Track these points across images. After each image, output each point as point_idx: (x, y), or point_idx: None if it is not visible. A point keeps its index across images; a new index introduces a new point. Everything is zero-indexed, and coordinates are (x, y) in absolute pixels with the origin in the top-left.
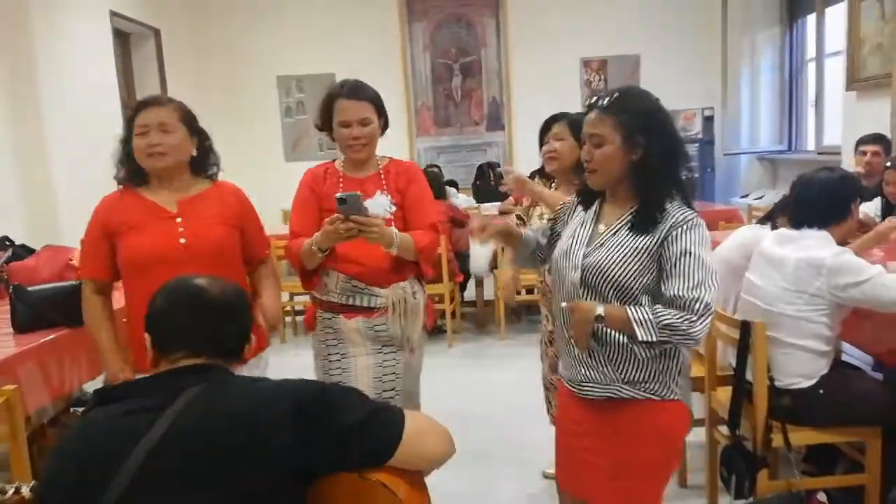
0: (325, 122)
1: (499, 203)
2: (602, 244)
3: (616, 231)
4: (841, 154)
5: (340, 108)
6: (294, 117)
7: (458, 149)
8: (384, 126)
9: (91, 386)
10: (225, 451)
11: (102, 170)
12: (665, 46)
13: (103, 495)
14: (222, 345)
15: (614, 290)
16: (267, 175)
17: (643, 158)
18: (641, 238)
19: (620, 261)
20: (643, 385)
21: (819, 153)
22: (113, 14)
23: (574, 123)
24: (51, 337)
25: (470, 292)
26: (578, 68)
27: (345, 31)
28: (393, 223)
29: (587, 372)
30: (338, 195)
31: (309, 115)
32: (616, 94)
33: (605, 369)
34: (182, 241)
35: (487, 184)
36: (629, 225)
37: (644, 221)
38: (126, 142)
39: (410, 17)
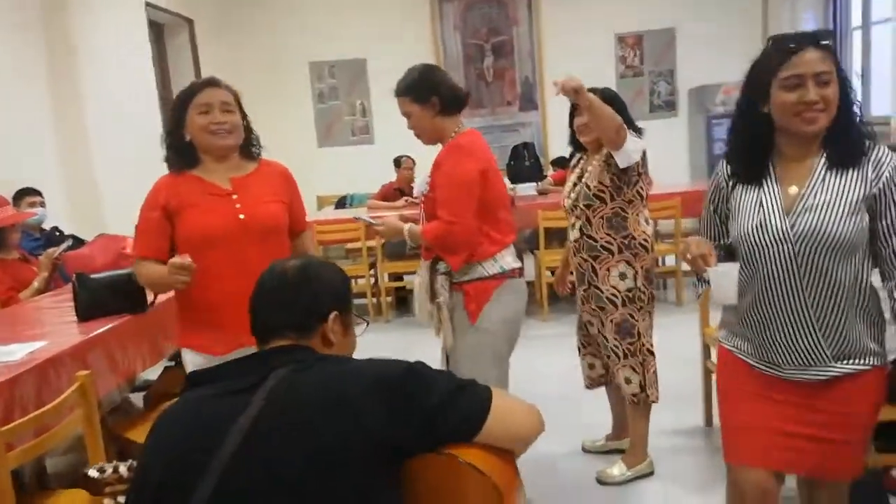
0: None
1: (534, 184)
2: (807, 208)
3: (817, 187)
4: (890, 124)
5: None
6: (327, 103)
7: (491, 130)
8: (448, 101)
9: (151, 372)
10: (315, 430)
11: (142, 158)
12: (701, 18)
13: (201, 480)
14: (299, 323)
15: (835, 251)
16: (300, 161)
17: (845, 99)
18: (850, 180)
19: (840, 218)
20: None
21: (866, 123)
22: (147, 5)
23: (605, 96)
24: (114, 324)
25: None
26: (613, 44)
27: (375, 14)
28: (422, 206)
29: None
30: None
31: (341, 101)
32: (820, 33)
33: None
34: (241, 216)
35: (522, 164)
36: (827, 169)
37: (847, 154)
38: (177, 124)
39: None
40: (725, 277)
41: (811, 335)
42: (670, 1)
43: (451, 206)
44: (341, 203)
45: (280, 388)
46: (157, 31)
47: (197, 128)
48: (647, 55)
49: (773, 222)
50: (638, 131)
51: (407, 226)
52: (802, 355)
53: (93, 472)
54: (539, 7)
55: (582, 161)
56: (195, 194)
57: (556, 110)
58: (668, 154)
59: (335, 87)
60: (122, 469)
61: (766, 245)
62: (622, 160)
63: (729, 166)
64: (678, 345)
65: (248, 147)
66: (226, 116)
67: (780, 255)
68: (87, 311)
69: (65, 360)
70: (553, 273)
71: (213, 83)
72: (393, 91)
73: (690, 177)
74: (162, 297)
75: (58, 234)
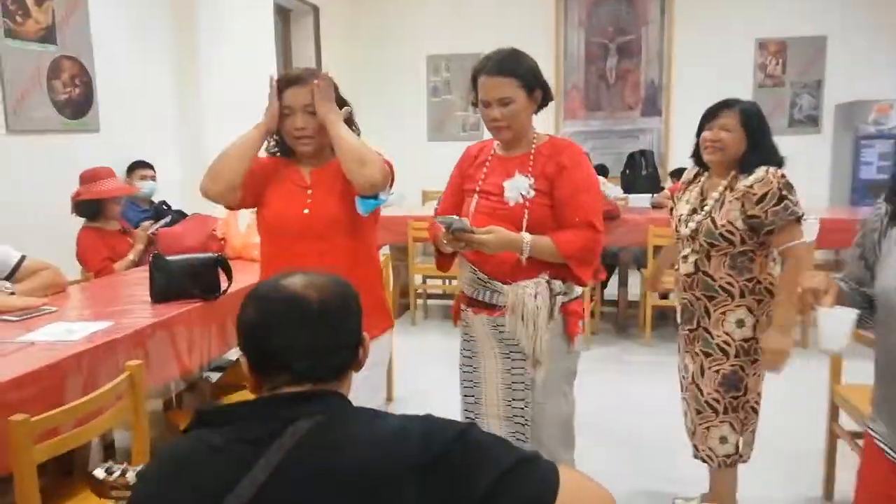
0: (477, 99)
1: (649, 195)
2: None
3: None
4: None
5: (482, 86)
6: (440, 97)
7: (607, 134)
8: (543, 100)
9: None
10: None
11: None
12: (857, 26)
13: None
14: (328, 363)
15: None
16: (408, 154)
17: None
18: None
19: None
20: None
21: None
22: None
23: (746, 114)
24: (184, 309)
25: (611, 289)
26: (752, 50)
27: (496, 8)
28: (527, 211)
29: None
30: (439, 220)
31: (454, 96)
32: None
33: None
34: (306, 211)
35: (638, 173)
36: None
37: None
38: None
39: None
40: (835, 321)
41: None
42: (822, 6)
43: (597, 213)
44: None
45: (301, 449)
46: (284, 16)
47: (283, 129)
48: (791, 64)
49: None
50: (780, 161)
51: (528, 237)
52: None
53: (99, 472)
54: (672, 6)
55: (702, 178)
56: (280, 181)
57: (681, 118)
58: (806, 175)
59: (449, 82)
60: (130, 475)
61: None
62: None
63: (888, 205)
64: (799, 395)
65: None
66: (307, 120)
67: None
68: (160, 293)
69: (123, 345)
70: (662, 296)
71: (296, 81)
72: (494, 65)
73: (830, 202)
74: (235, 287)
75: (165, 207)
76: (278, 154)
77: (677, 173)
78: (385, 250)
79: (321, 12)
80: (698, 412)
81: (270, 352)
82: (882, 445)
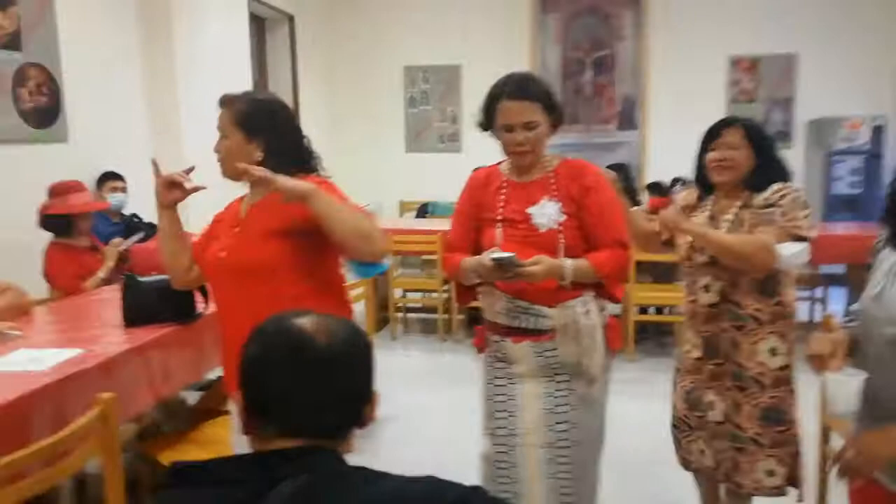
0: (489, 123)
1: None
2: None
3: None
4: None
5: (503, 110)
6: (417, 107)
7: (584, 148)
8: (557, 122)
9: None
10: None
11: None
12: (828, 44)
13: None
14: (329, 419)
15: None
16: (387, 165)
17: None
18: None
19: None
20: None
21: None
22: None
23: (749, 129)
24: (159, 334)
25: None
26: (725, 67)
27: (474, 21)
28: (561, 235)
29: None
30: (493, 257)
31: (432, 107)
32: None
33: None
34: (222, 254)
35: (616, 187)
36: None
37: None
38: None
39: (543, 7)
40: (840, 387)
41: None
42: (794, 24)
43: (625, 231)
44: (422, 210)
45: None
46: (259, 25)
47: None
48: (764, 81)
49: (889, 295)
50: (788, 175)
51: (569, 262)
52: None
53: None
54: (647, 22)
55: (709, 202)
56: (224, 218)
57: (657, 131)
58: None
59: (427, 93)
60: None
61: (877, 322)
62: (782, 265)
63: (884, 226)
64: None
65: (275, 169)
66: (219, 143)
67: (885, 337)
68: (132, 317)
69: (94, 375)
70: (642, 310)
71: (220, 103)
72: (516, 89)
73: None
74: (213, 307)
75: (136, 220)
76: None
77: (653, 187)
78: None
79: (296, 21)
80: (740, 450)
81: (267, 393)
82: None
